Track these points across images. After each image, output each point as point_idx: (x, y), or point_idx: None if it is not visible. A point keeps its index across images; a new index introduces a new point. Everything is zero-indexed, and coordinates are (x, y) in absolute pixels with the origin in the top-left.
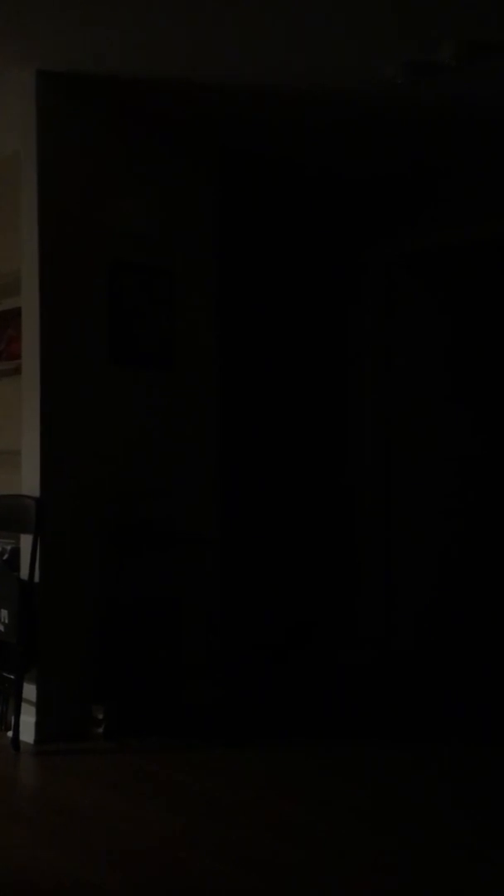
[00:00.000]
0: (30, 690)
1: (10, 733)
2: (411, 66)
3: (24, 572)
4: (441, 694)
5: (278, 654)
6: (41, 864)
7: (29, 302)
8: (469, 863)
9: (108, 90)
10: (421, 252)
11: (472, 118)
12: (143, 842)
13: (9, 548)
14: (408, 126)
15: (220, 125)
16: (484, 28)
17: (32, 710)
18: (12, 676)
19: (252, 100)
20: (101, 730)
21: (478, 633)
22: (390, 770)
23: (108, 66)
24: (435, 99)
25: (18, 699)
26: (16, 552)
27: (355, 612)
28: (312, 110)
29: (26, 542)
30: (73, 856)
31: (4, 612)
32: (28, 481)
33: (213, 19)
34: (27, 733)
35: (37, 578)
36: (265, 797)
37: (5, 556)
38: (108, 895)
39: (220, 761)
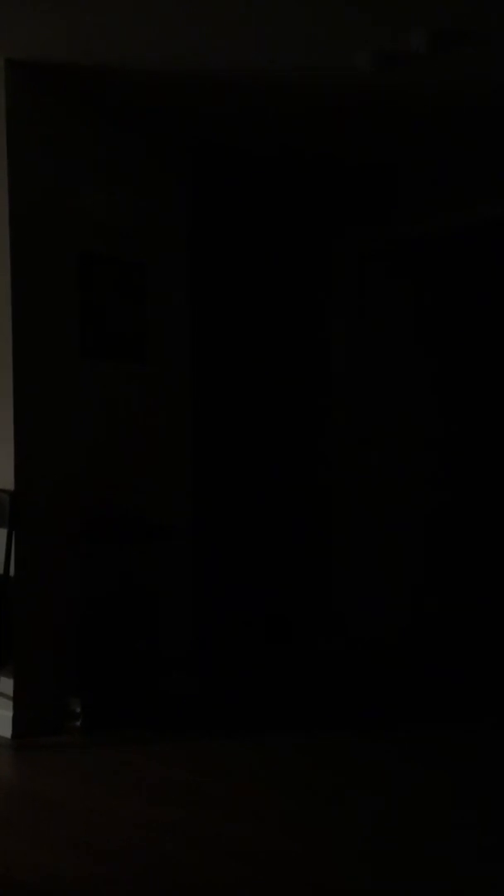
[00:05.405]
0: (6, 685)
1: None
2: (381, 56)
3: None
4: (420, 680)
5: (256, 645)
6: (23, 860)
7: (0, 294)
8: (467, 857)
9: (80, 80)
10: (393, 242)
11: (443, 110)
12: (127, 835)
13: None
14: (379, 118)
15: (193, 117)
16: (454, 17)
17: (9, 704)
18: None
19: (225, 92)
20: (78, 723)
21: (454, 618)
22: (376, 758)
23: (80, 56)
24: (405, 89)
25: None
26: None
27: (331, 601)
28: (285, 102)
29: (0, 535)
30: (56, 851)
31: None
32: (2, 475)
33: (186, 10)
34: (4, 728)
35: (12, 572)
36: (251, 788)
37: None
38: (94, 890)
39: (201, 753)
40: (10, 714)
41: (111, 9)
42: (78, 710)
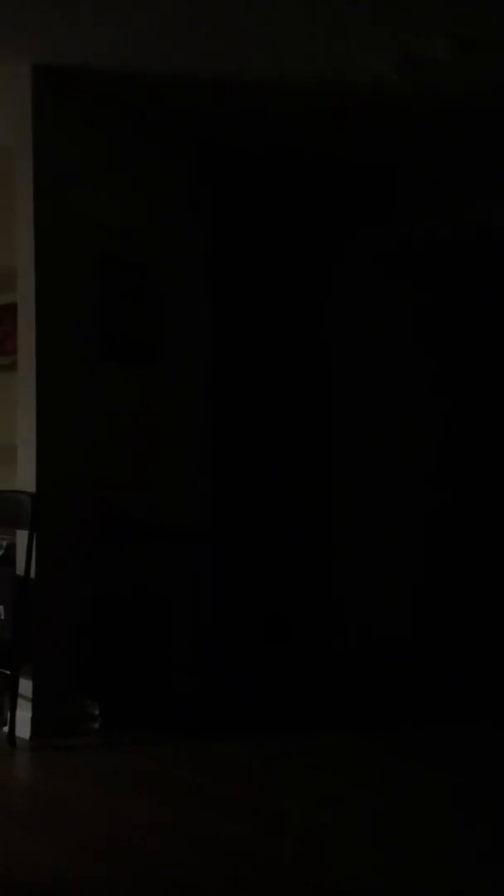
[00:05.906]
0: (26, 686)
1: (5, 729)
2: (402, 61)
3: (19, 568)
4: (420, 680)
5: (256, 645)
6: (24, 859)
7: (25, 298)
8: (467, 857)
9: (102, 85)
10: (393, 242)
11: (443, 110)
12: (127, 835)
13: (4, 544)
14: (380, 118)
15: (212, 121)
16: (474, 24)
17: (28, 705)
18: (8, 672)
19: (241, 96)
20: (96, 725)
21: (454, 618)
22: (376, 758)
23: (102, 61)
24: (406, 89)
25: (14, 695)
26: (11, 548)
27: (332, 602)
28: (285, 102)
29: (22, 537)
30: (57, 851)
31: (0, 608)
32: (24, 477)
33: (205, 16)
34: (23, 729)
35: (33, 574)
36: (251, 788)
37: (0, 553)
38: (94, 890)
39: (201, 753)
40: (29, 715)
41: (112, 9)
42: (96, 711)
